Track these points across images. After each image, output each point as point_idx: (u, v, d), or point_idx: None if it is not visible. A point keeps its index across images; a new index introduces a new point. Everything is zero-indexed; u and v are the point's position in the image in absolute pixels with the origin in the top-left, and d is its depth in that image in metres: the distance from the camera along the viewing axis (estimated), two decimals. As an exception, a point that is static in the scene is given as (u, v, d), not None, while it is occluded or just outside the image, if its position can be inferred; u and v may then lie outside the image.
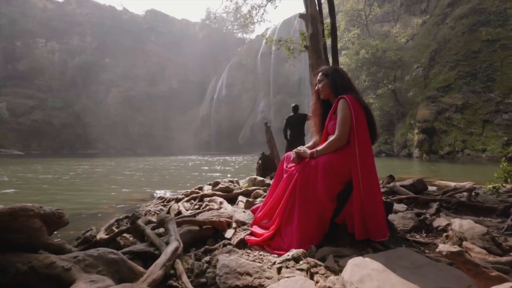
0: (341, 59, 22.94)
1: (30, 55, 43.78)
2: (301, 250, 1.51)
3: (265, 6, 10.55)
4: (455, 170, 11.39)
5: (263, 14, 10.79)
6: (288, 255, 1.45)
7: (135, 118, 47.48)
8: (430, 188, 4.39)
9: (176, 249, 1.29)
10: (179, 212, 3.34)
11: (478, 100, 18.34)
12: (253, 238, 1.94)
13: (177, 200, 3.98)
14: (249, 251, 1.83)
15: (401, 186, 3.27)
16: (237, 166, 14.11)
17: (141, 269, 1.13)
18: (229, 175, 9.34)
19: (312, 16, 5.97)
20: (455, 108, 18.77)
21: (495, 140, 16.23)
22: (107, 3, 61.39)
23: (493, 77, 18.46)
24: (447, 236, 1.90)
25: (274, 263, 1.57)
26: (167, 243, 1.46)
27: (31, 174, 9.72)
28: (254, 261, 1.61)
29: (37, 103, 41.86)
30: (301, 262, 1.40)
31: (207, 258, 1.40)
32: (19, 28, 42.82)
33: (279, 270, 1.38)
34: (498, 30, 19.34)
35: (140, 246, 1.43)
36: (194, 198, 3.79)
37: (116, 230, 2.17)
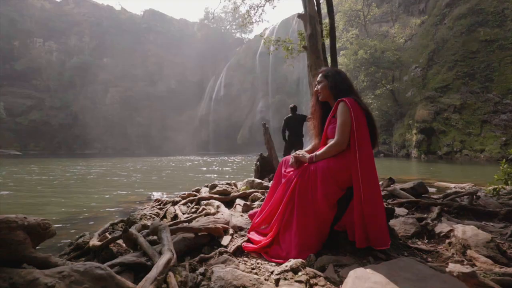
0: (340, 59, 22.93)
1: (28, 55, 43.54)
2: (300, 260, 1.45)
3: (264, 6, 10.47)
4: (454, 171, 11.37)
5: (261, 14, 10.73)
6: (287, 266, 1.39)
7: (133, 118, 47.31)
8: (430, 189, 4.34)
9: (169, 261, 1.23)
10: (176, 216, 3.28)
11: (476, 100, 18.37)
12: (250, 245, 1.88)
13: (174, 203, 3.92)
14: (246, 259, 1.77)
15: (401, 189, 3.21)
16: (235, 167, 14.06)
17: (130, 284, 1.07)
18: (227, 176, 9.28)
19: (310, 16, 5.91)
20: (454, 109, 18.79)
21: (494, 141, 16.26)
22: (105, 3, 61.15)
23: (491, 78, 18.49)
24: (450, 243, 1.85)
25: (272, 272, 1.51)
26: (161, 253, 1.40)
27: (26, 175, 9.62)
28: (251, 270, 1.56)
29: (35, 103, 41.64)
30: (300, 273, 1.34)
31: (201, 270, 1.34)
32: (17, 28, 42.58)
33: (277, 282, 1.32)
34: (496, 31, 19.38)
35: (131, 258, 1.37)
36: (191, 201, 3.73)
37: (110, 237, 2.11)
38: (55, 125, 41.81)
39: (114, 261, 1.32)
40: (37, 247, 1.36)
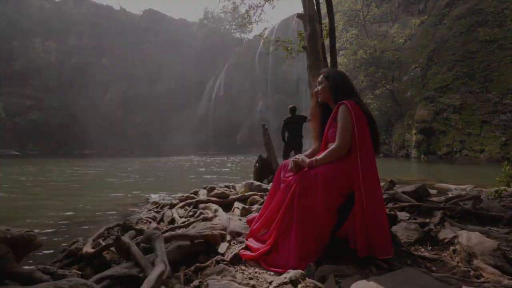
0: (339, 59, 22.86)
1: (27, 54, 43.34)
2: (299, 271, 1.38)
3: (263, 6, 10.42)
4: (454, 171, 11.32)
5: (260, 14, 10.66)
6: (285, 278, 1.33)
7: (132, 118, 47.16)
8: (430, 191, 4.29)
9: (161, 274, 1.16)
10: (173, 220, 3.23)
11: (476, 100, 18.32)
12: (248, 253, 1.82)
13: (171, 206, 3.87)
14: (243, 267, 1.71)
15: (402, 192, 3.16)
16: (234, 167, 14.00)
17: (118, 302, 1.01)
18: (226, 177, 9.22)
19: (310, 16, 5.85)
20: (453, 109, 18.74)
21: (493, 141, 16.21)
22: (104, 3, 61.09)
23: (491, 78, 18.44)
24: (454, 251, 1.79)
25: (271, 283, 1.45)
26: (154, 264, 1.34)
27: (23, 176, 9.54)
28: (249, 281, 1.49)
29: (34, 103, 41.48)
30: (299, 286, 1.28)
31: (196, 283, 1.28)
32: (16, 28, 42.44)
33: (275, 295, 1.26)
34: (495, 31, 19.33)
35: (122, 269, 1.30)
36: (189, 204, 3.68)
37: (103, 244, 2.05)
38: (54, 125, 41.65)
39: (103, 274, 1.26)
40: (33, 251, 1.30)
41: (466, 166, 13.16)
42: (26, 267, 1.64)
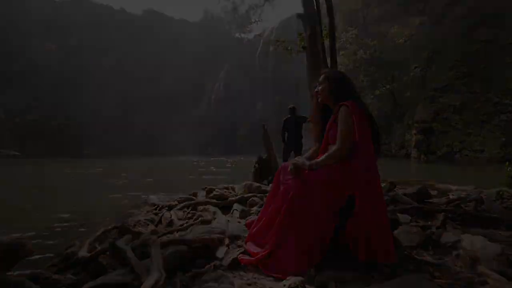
0: (339, 59, 22.75)
1: (27, 54, 43.34)
2: (299, 278, 1.35)
3: (263, 6, 10.39)
4: (454, 171, 11.30)
5: (260, 14, 10.60)
6: (285, 285, 1.30)
7: (132, 118, 47.14)
8: (431, 192, 4.24)
9: (156, 282, 1.13)
10: (171, 222, 3.19)
11: (476, 100, 18.26)
12: (247, 257, 1.78)
13: (170, 208, 3.83)
14: (242, 272, 1.68)
15: (403, 194, 3.12)
16: (234, 168, 13.96)
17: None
18: (225, 177, 9.18)
19: (310, 16, 5.80)
20: (453, 109, 18.70)
21: (493, 141, 16.18)
22: (104, 3, 60.85)
23: (491, 78, 18.39)
24: (457, 255, 1.76)
25: (269, 289, 1.42)
26: (150, 270, 1.30)
27: (21, 177, 9.50)
28: (247, 287, 1.46)
29: (34, 103, 41.45)
30: (299, 293, 1.25)
31: (192, 290, 1.25)
32: (16, 28, 42.44)
33: (274, 303, 1.22)
34: (496, 31, 19.28)
35: (116, 277, 1.27)
36: (187, 206, 3.64)
37: (98, 248, 2.01)
38: (54, 125, 41.61)
39: (96, 282, 1.22)
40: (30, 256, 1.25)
41: (466, 166, 13.14)
42: (19, 272, 1.60)
